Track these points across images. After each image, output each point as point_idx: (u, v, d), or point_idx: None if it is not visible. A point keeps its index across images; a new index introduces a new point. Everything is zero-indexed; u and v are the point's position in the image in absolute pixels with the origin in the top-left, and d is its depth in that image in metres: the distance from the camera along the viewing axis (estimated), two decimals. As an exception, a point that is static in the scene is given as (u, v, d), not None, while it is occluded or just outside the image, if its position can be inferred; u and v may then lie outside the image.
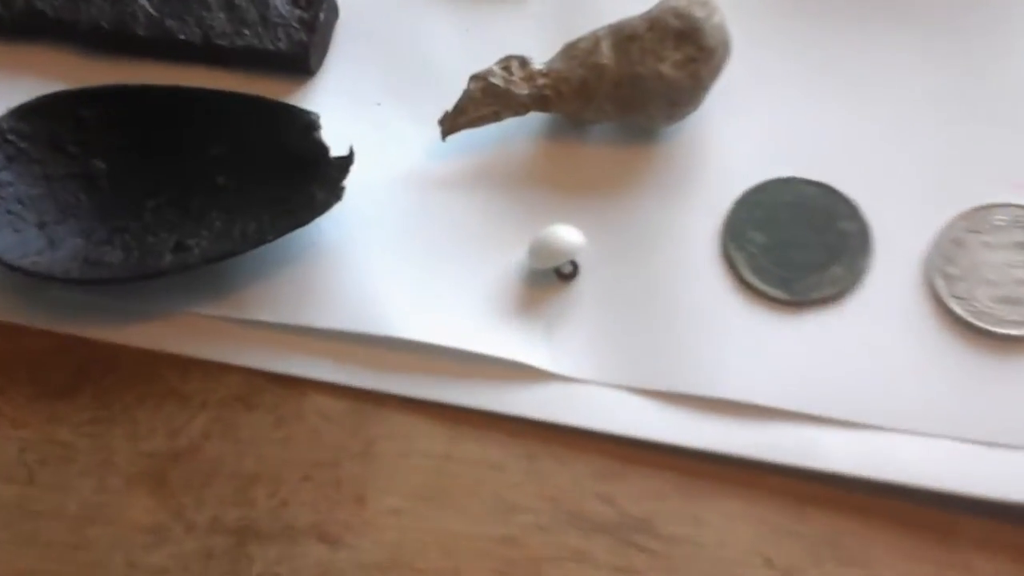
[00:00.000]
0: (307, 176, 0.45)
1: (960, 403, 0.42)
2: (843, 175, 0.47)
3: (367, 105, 0.50)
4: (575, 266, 0.45)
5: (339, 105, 0.49)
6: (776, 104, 0.48)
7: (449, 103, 0.47)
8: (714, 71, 0.47)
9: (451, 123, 0.47)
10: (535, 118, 0.48)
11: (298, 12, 0.50)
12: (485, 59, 0.49)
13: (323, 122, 0.45)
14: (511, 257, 0.45)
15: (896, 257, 0.45)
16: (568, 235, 0.45)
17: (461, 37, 0.52)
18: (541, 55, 0.49)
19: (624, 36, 0.47)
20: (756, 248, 0.45)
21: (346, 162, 0.45)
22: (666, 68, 0.46)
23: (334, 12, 0.51)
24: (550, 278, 0.45)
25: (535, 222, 0.46)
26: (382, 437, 0.42)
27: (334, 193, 0.44)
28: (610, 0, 0.50)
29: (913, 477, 0.40)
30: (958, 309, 0.43)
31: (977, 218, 0.45)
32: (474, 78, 0.48)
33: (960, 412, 0.41)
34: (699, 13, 0.46)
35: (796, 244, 0.45)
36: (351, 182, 0.45)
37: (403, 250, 0.46)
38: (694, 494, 0.41)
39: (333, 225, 0.46)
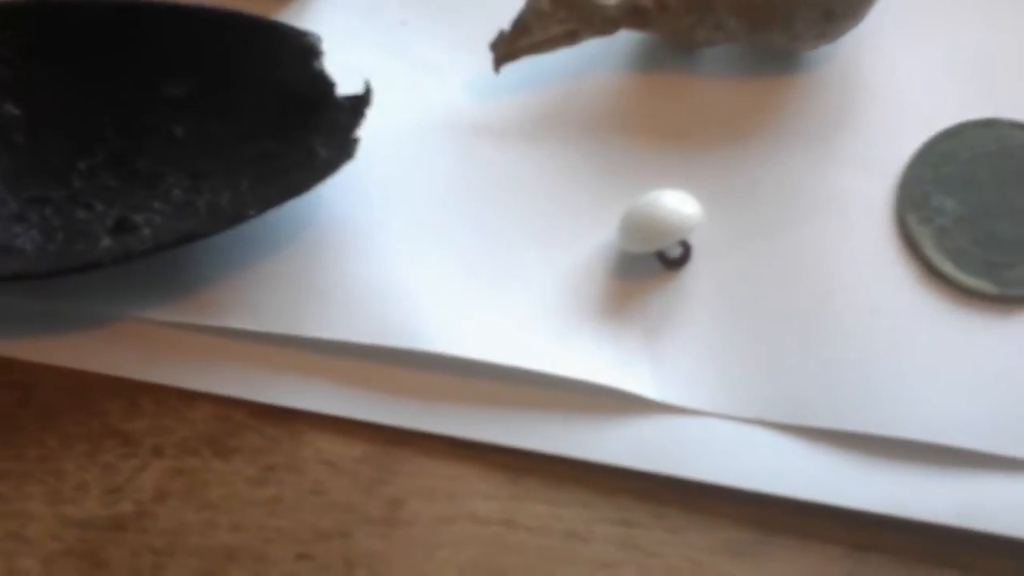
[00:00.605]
0: (304, 124, 0.42)
1: None
2: None
3: (388, 25, 0.47)
4: (687, 248, 0.41)
5: (350, 25, 0.46)
6: (975, 14, 0.45)
7: (503, 20, 0.44)
8: (883, -32, 0.41)
9: (509, 46, 0.44)
10: (627, 40, 0.45)
11: None
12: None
13: (327, 47, 0.42)
14: (595, 238, 0.42)
15: None
16: (678, 204, 0.40)
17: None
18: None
19: (754, -80, 0.42)
20: (948, 220, 0.41)
21: (360, 104, 0.41)
22: (822, -37, 0.41)
23: None
24: (652, 266, 0.41)
25: (627, 187, 0.42)
26: (415, 495, 0.38)
27: (343, 148, 0.41)
28: None
29: None
30: None
31: None
32: (541, -18, 0.43)
33: None
34: None
35: (1006, 213, 0.41)
36: (366, 133, 0.41)
37: (438, 229, 0.42)
38: (870, 581, 0.36)
39: (341, 194, 0.42)
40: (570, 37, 0.43)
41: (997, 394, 0.38)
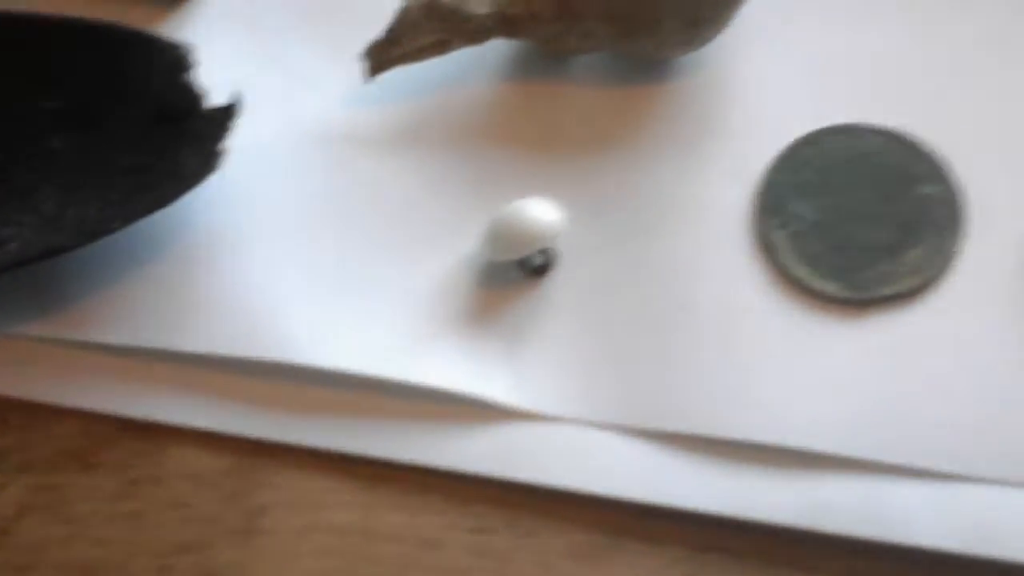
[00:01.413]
0: (173, 135, 0.41)
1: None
2: (924, 121, 0.42)
3: (263, 35, 0.46)
4: (550, 257, 0.41)
5: (224, 36, 0.46)
6: (837, 20, 0.45)
7: (376, 29, 0.44)
8: (745, -23, 0.41)
9: (380, 56, 0.43)
10: (498, 48, 0.45)
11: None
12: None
13: (205, 59, 0.43)
14: (461, 247, 0.41)
15: (998, 233, 0.40)
16: (540, 213, 0.40)
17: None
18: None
19: (619, -72, 0.42)
20: (804, 225, 0.41)
21: (227, 115, 0.41)
22: (681, -30, 0.41)
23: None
24: (514, 275, 0.41)
25: (494, 194, 0.42)
26: (276, 506, 0.38)
27: (209, 160, 0.41)
28: None
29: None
30: (1090, 307, 0.37)
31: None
32: (412, -8, 0.43)
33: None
34: None
35: (859, 218, 0.41)
36: (236, 144, 0.42)
37: (307, 240, 0.42)
38: (714, 583, 0.36)
39: (209, 206, 0.42)
40: (441, 47, 0.43)
41: (846, 396, 0.38)
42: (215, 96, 0.42)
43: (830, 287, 0.39)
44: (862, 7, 0.45)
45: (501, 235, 0.40)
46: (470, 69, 0.45)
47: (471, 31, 0.43)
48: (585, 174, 0.42)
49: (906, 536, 0.36)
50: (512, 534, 0.38)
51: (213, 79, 0.42)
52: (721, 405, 0.38)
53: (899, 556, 0.36)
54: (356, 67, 0.44)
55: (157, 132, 0.42)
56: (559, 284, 0.41)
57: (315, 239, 0.42)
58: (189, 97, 0.42)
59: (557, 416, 0.39)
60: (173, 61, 0.42)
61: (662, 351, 0.39)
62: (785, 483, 0.37)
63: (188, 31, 0.46)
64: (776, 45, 0.44)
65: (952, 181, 0.41)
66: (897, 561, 0.36)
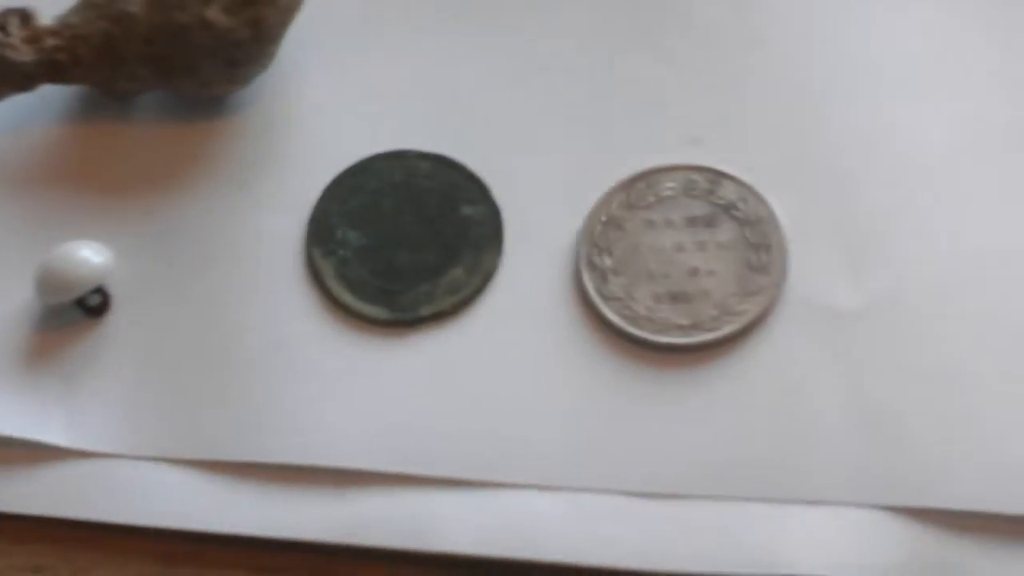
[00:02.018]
0: None
1: (612, 443, 0.39)
2: (468, 144, 0.44)
3: None
4: (104, 295, 0.42)
5: None
6: (382, 51, 0.46)
7: None
8: (285, 14, 0.44)
9: None
10: (54, 93, 0.45)
11: None
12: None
13: None
14: (17, 291, 0.42)
15: (535, 249, 0.42)
16: (87, 255, 0.41)
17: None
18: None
19: (156, -27, 0.42)
20: (350, 252, 0.42)
21: None
22: (213, 13, 0.43)
23: None
24: (73, 314, 0.42)
25: (51, 239, 0.42)
26: None
27: None
28: None
29: (547, 551, 0.37)
30: (610, 313, 0.40)
31: (638, 189, 0.42)
32: (-45, 44, 0.43)
33: (610, 455, 0.39)
34: (254, -65, 0.42)
35: (404, 242, 0.42)
36: None
37: None
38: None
39: None
40: None
41: (390, 415, 0.40)
42: None
43: (373, 311, 0.41)
44: (407, 38, 0.46)
45: (50, 278, 0.41)
46: (29, 113, 0.45)
47: (19, 79, 0.43)
48: (141, 214, 0.43)
49: (445, 544, 0.38)
50: (70, 569, 0.39)
51: None
52: (269, 432, 0.39)
53: (440, 563, 0.38)
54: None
55: None
56: (118, 323, 0.42)
57: None
58: None
59: (111, 452, 0.40)
60: None
61: (213, 383, 0.40)
62: (332, 502, 0.39)
63: None
64: (326, 76, 0.45)
65: (491, 202, 0.43)
66: (440, 567, 0.38)
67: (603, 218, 0.42)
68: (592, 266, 0.41)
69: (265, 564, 0.38)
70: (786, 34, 0.45)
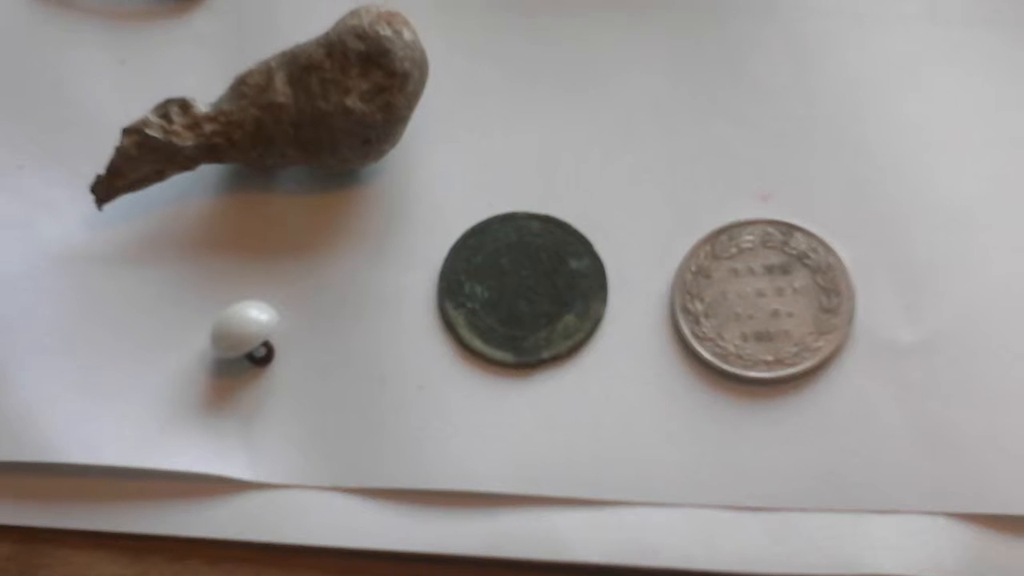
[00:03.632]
0: None
1: (712, 464, 0.45)
2: (571, 205, 0.50)
3: (6, 170, 0.52)
4: (269, 348, 0.47)
5: None
6: (492, 126, 0.51)
7: (108, 158, 0.49)
8: (411, 98, 0.49)
9: (106, 188, 0.49)
10: (210, 169, 0.51)
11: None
12: (148, 98, 0.50)
13: None
14: (193, 345, 0.47)
15: (635, 296, 0.48)
16: (255, 314, 0.46)
17: (117, 72, 0.54)
18: (214, 85, 0.50)
19: (300, 66, 0.48)
20: (477, 304, 0.48)
21: None
22: (352, 101, 0.48)
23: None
24: (242, 365, 0.47)
25: (219, 298, 0.48)
26: None
27: None
28: (291, 13, 0.53)
29: (665, 559, 0.43)
30: (704, 352, 0.46)
31: (721, 241, 0.48)
32: (127, 131, 0.49)
33: (711, 475, 0.44)
34: (385, 32, 0.48)
35: (523, 294, 0.48)
36: None
37: (61, 352, 0.47)
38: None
39: None
40: (158, 175, 0.49)
41: (520, 445, 0.45)
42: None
43: (500, 355, 0.47)
44: (511, 114, 0.51)
45: (224, 335, 0.46)
46: (190, 188, 0.50)
47: (182, 160, 0.48)
48: (294, 275, 0.48)
49: (574, 555, 0.43)
50: None
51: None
52: (419, 462, 0.45)
53: (570, 571, 0.44)
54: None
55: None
56: (280, 371, 0.47)
57: (68, 352, 0.47)
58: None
59: (288, 483, 0.45)
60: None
61: (368, 421, 0.46)
62: (475, 520, 0.44)
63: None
64: (446, 150, 0.50)
65: (595, 255, 0.49)
66: (570, 574, 0.44)
67: (693, 268, 0.48)
68: (686, 311, 0.47)
69: (426, 574, 0.44)
70: (842, 97, 0.51)
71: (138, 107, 0.50)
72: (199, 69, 0.53)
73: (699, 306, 0.47)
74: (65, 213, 0.50)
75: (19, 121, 0.52)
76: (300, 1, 0.54)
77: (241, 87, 0.49)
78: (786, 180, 0.49)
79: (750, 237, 0.48)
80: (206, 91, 0.50)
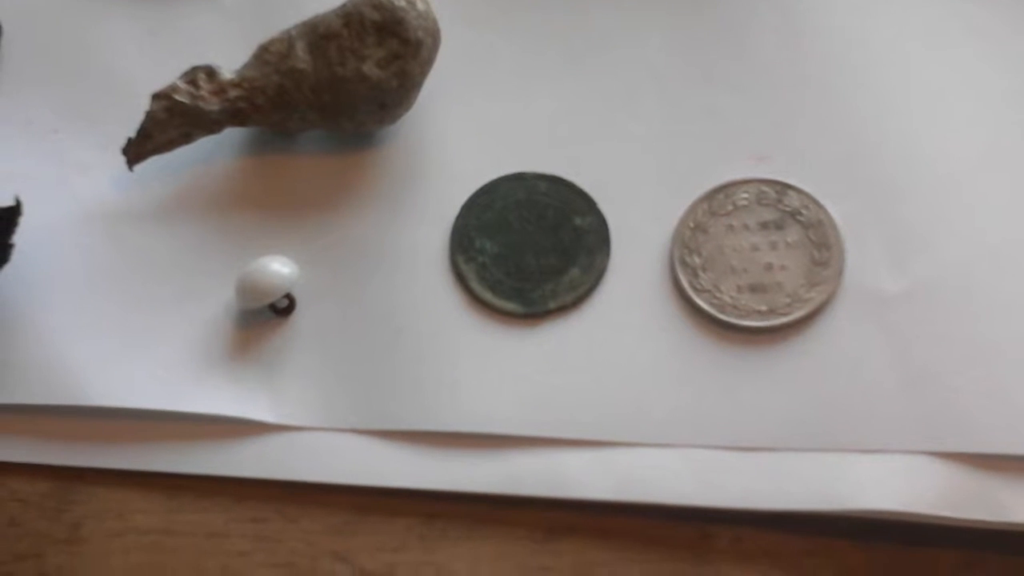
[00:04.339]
0: None
1: (709, 408, 0.47)
2: (575, 165, 0.52)
3: (42, 134, 0.54)
4: (291, 299, 0.49)
5: (6, 138, 0.53)
6: (501, 92, 0.53)
7: (134, 123, 0.52)
8: (424, 65, 0.51)
9: (136, 150, 0.51)
10: (234, 132, 0.53)
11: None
12: (176, 65, 0.53)
13: None
14: (219, 296, 0.50)
15: (636, 251, 0.50)
16: (278, 268, 0.49)
17: (146, 41, 0.56)
18: (238, 54, 0.53)
19: (319, 35, 0.51)
20: (487, 258, 0.50)
21: (11, 215, 0.48)
22: (369, 68, 0.50)
23: (-7, 26, 0.54)
24: (265, 315, 0.49)
25: (243, 253, 0.51)
26: (90, 518, 0.47)
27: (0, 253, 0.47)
28: None
29: (664, 495, 0.45)
30: (702, 303, 0.48)
31: (718, 199, 0.50)
32: (156, 97, 0.51)
33: (708, 417, 0.47)
34: (400, 2, 0.50)
35: (530, 248, 0.50)
36: (24, 231, 0.49)
37: (94, 302, 0.50)
38: (435, 540, 0.46)
39: (6, 284, 0.49)
40: (186, 138, 0.51)
41: (528, 390, 0.47)
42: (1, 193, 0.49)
43: (509, 306, 0.49)
44: (520, 79, 0.54)
45: (249, 288, 0.48)
46: (217, 149, 0.53)
47: (208, 124, 0.51)
48: (314, 231, 0.51)
49: (579, 492, 0.46)
50: (282, 520, 0.46)
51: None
52: (432, 405, 0.47)
53: (575, 507, 0.46)
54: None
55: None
56: (302, 321, 0.49)
57: (101, 303, 0.49)
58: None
59: (308, 426, 0.47)
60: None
61: (384, 367, 0.48)
62: (485, 460, 0.46)
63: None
64: (456, 112, 0.53)
65: (598, 213, 0.51)
66: (574, 510, 0.46)
67: (691, 224, 0.50)
68: (685, 264, 0.50)
69: (438, 511, 0.46)
70: (833, 64, 0.53)
71: (167, 74, 0.53)
72: (224, 39, 0.55)
73: (697, 260, 0.49)
74: (98, 174, 0.52)
75: (56, 88, 0.55)
76: (319, -25, 0.56)
77: (264, 55, 0.51)
78: (780, 143, 0.52)
79: (745, 195, 0.50)
80: (231, 59, 0.53)
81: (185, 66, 0.52)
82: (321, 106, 0.51)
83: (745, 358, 0.47)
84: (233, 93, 0.51)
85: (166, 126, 0.51)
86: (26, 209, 0.49)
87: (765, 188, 0.50)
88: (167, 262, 0.50)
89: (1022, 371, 0.46)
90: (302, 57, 0.50)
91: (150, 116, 0.51)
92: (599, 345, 0.48)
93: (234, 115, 0.51)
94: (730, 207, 0.50)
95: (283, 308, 0.49)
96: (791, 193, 0.50)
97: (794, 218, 0.49)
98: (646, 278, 0.49)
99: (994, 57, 0.53)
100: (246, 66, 0.51)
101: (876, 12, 0.54)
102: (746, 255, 0.49)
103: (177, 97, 0.51)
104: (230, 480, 0.47)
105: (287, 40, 0.51)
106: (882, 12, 0.54)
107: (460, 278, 0.49)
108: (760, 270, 0.48)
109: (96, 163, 0.52)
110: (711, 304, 0.48)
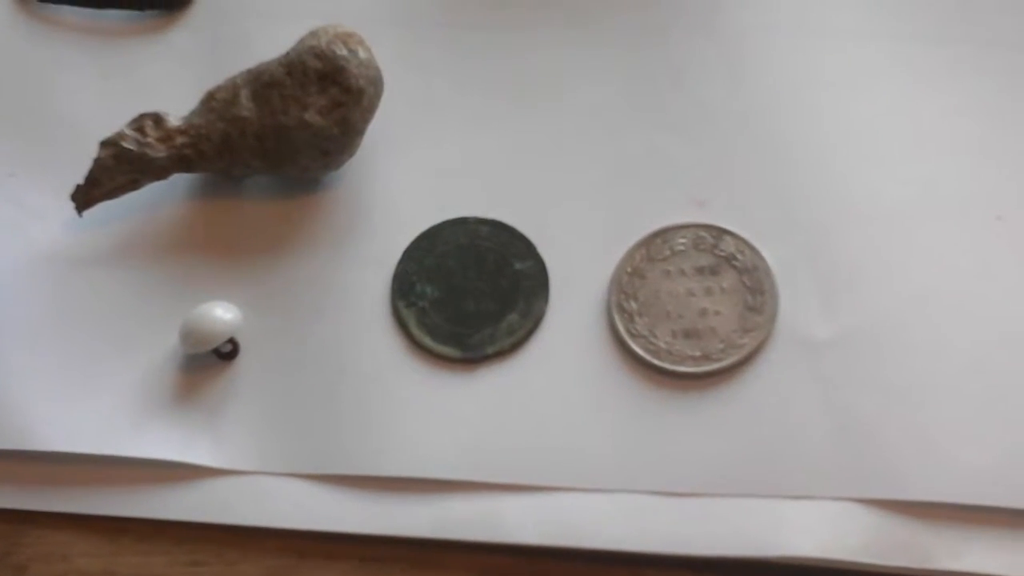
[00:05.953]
0: None
1: (642, 453, 0.47)
2: (517, 210, 0.52)
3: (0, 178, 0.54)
4: (235, 344, 0.50)
5: None
6: (444, 137, 0.54)
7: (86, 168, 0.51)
8: (366, 112, 0.51)
9: (85, 197, 0.51)
10: (182, 178, 0.53)
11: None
12: (130, 110, 0.53)
13: None
14: (165, 341, 0.50)
15: (574, 296, 0.50)
16: (221, 313, 0.49)
17: (99, 85, 0.56)
18: (191, 98, 0.53)
19: (263, 83, 0.51)
20: (427, 303, 0.50)
21: None
22: (311, 116, 0.50)
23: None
24: (209, 360, 0.49)
25: (189, 298, 0.50)
26: (36, 560, 0.47)
27: None
28: (264, 32, 0.56)
29: (596, 540, 0.46)
30: (637, 348, 0.49)
31: (656, 244, 0.51)
32: (104, 144, 0.52)
33: (641, 462, 0.47)
34: (341, 51, 0.51)
35: (470, 293, 0.50)
36: None
37: (39, 347, 0.50)
38: (373, 584, 0.46)
39: None
40: (134, 184, 0.51)
41: (465, 434, 0.47)
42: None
43: (448, 351, 0.49)
44: (461, 125, 0.54)
45: (192, 333, 0.49)
46: (163, 195, 0.53)
47: (156, 170, 0.51)
48: (259, 275, 0.51)
49: (515, 536, 0.46)
50: (222, 563, 0.46)
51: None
52: (371, 450, 0.47)
53: (509, 551, 0.46)
54: (72, 202, 0.52)
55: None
56: (245, 365, 0.50)
57: (46, 347, 0.50)
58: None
59: (248, 470, 0.48)
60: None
61: (325, 412, 0.48)
62: (422, 504, 0.46)
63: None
64: (401, 156, 0.53)
65: (538, 257, 0.51)
66: (509, 554, 0.46)
67: (629, 269, 0.50)
68: (621, 309, 0.50)
69: (373, 555, 0.46)
70: (774, 109, 0.54)
71: (121, 119, 0.53)
72: (178, 84, 0.55)
73: (634, 305, 0.49)
74: (51, 218, 0.53)
75: (11, 132, 0.55)
76: (272, 20, 0.57)
77: (210, 102, 0.52)
78: (719, 187, 0.52)
79: (683, 240, 0.50)
80: (184, 104, 0.53)
81: (138, 110, 0.52)
82: (265, 153, 0.51)
83: (678, 404, 0.48)
84: (180, 140, 0.51)
85: (114, 173, 0.51)
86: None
87: (703, 233, 0.50)
88: (114, 307, 0.51)
89: (949, 418, 0.46)
90: (246, 105, 0.51)
91: (98, 163, 0.51)
92: (535, 390, 0.48)
93: (180, 161, 0.51)
94: (667, 252, 0.50)
95: (227, 353, 0.49)
96: (727, 238, 0.50)
97: (729, 263, 0.50)
98: (584, 323, 0.50)
99: (931, 102, 0.53)
100: (193, 113, 0.52)
101: (816, 57, 0.54)
102: (682, 300, 0.49)
103: (124, 144, 0.51)
104: (171, 523, 0.47)
105: (232, 88, 0.51)
106: (821, 57, 0.54)
107: (400, 323, 0.50)
108: (695, 315, 0.49)
109: (50, 207, 0.52)
110: (646, 350, 0.48)
